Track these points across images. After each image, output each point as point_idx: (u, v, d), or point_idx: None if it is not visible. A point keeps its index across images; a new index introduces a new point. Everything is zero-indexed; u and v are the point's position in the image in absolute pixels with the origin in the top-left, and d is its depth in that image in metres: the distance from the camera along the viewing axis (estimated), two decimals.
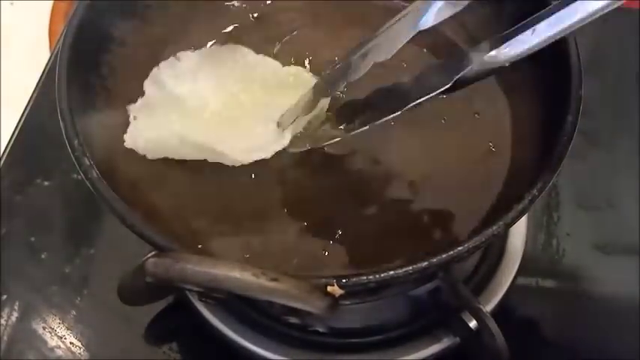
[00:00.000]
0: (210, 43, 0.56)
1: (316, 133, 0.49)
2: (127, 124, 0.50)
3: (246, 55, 0.54)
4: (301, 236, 0.46)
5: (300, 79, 0.52)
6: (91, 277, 0.59)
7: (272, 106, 0.50)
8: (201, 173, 0.48)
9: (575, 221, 0.61)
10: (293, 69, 0.53)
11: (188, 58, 0.53)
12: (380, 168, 0.49)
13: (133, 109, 0.50)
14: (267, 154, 0.48)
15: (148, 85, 0.51)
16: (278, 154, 0.49)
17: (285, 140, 0.49)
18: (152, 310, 0.56)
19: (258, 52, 0.55)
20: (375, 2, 0.58)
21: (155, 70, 0.52)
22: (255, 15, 0.59)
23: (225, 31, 0.57)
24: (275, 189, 0.48)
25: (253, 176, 0.48)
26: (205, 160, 0.48)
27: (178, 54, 0.53)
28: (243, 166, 0.48)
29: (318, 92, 0.47)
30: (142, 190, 0.47)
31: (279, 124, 0.49)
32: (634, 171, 0.62)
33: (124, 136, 0.49)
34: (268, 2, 0.59)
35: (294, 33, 0.57)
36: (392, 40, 0.43)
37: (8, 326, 0.56)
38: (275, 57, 0.55)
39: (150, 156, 0.48)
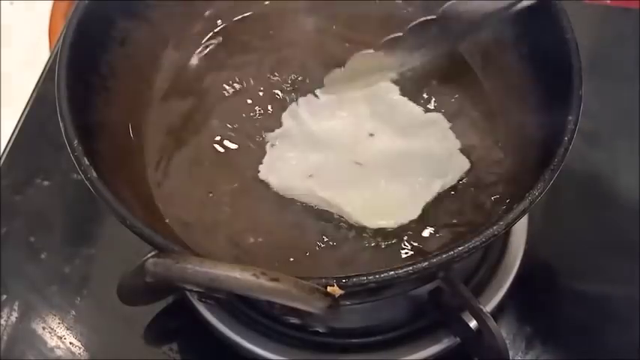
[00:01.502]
0: (210, 42, 0.57)
1: None
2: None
3: (391, 92, 0.52)
4: None
5: (439, 127, 0.50)
6: (91, 277, 0.59)
7: (405, 158, 0.49)
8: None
9: (575, 221, 0.61)
10: (434, 115, 0.51)
11: (327, 95, 0.52)
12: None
13: (270, 137, 0.51)
14: (392, 224, 0.46)
15: (285, 118, 0.51)
16: None
17: (414, 213, 0.46)
18: (152, 310, 0.56)
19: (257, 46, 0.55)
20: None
21: (293, 105, 0.52)
22: (255, 15, 0.59)
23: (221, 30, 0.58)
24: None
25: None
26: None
27: (317, 91, 0.52)
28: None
29: None
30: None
31: None
32: (634, 171, 0.62)
33: (259, 166, 0.49)
34: (266, 3, 0.59)
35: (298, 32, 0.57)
36: None
37: (8, 326, 0.56)
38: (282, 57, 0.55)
39: (281, 193, 0.49)
